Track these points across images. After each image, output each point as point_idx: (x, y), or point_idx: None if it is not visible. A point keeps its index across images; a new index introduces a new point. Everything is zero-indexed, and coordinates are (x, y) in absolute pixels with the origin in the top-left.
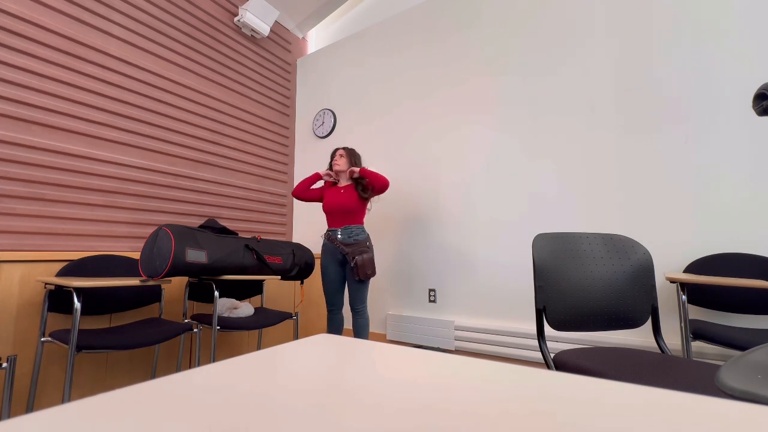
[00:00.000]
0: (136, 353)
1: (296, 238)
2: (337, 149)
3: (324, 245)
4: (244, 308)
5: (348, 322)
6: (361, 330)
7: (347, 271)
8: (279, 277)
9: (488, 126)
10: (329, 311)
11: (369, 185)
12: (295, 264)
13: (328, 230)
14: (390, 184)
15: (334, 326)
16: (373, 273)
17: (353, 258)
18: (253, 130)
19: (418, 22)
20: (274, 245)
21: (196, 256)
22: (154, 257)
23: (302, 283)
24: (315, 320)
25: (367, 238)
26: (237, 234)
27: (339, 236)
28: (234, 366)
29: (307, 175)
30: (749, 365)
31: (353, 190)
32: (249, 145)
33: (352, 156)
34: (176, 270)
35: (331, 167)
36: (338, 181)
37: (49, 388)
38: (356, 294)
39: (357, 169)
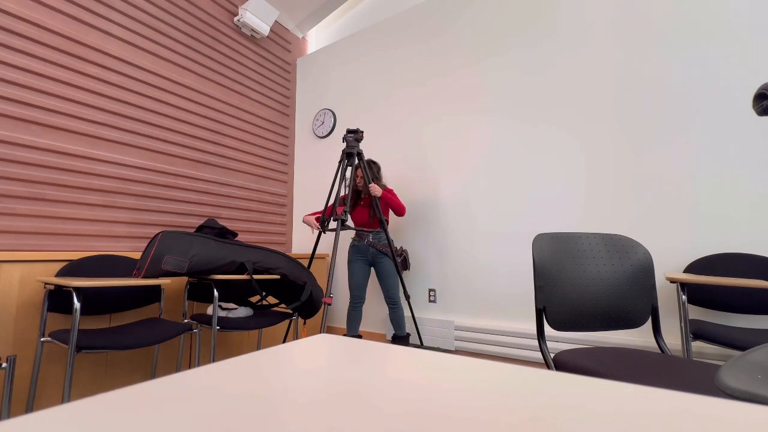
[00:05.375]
0: (136, 353)
1: (296, 238)
2: (359, 167)
3: (355, 246)
4: (242, 308)
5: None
6: (400, 319)
7: (385, 266)
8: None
9: (489, 128)
10: (354, 306)
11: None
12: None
13: (360, 231)
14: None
15: (357, 319)
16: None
17: (400, 254)
18: (253, 130)
19: (418, 22)
20: (280, 266)
21: (174, 265)
22: (143, 257)
23: (305, 322)
24: (315, 320)
25: (392, 241)
26: (236, 235)
27: (371, 239)
28: (234, 366)
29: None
30: (749, 365)
31: (368, 206)
32: (249, 145)
33: (369, 175)
34: (152, 275)
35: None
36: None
37: (49, 388)
38: (395, 286)
39: (379, 192)
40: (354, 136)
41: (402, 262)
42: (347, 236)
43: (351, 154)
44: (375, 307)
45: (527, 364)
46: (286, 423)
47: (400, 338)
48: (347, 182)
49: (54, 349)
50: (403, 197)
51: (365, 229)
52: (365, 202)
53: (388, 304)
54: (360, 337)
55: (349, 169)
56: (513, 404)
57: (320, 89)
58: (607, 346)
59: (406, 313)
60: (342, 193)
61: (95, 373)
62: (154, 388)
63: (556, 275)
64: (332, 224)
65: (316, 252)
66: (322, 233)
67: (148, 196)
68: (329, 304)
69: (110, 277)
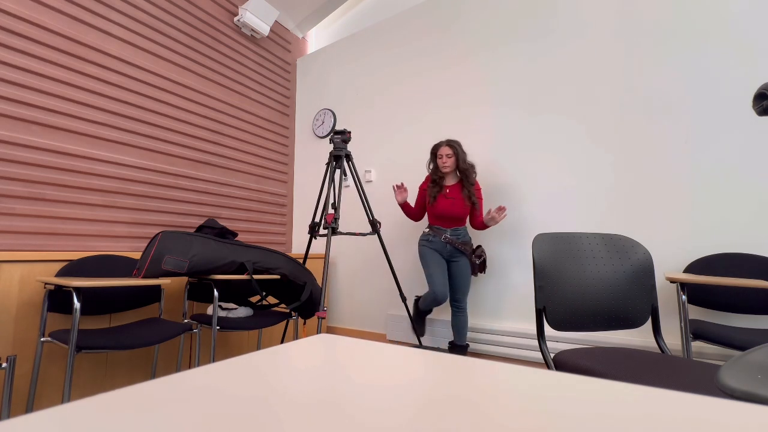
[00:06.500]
0: (135, 353)
1: (296, 238)
2: (441, 145)
3: (431, 240)
4: (242, 308)
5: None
6: (462, 326)
7: (460, 266)
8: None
9: (488, 128)
10: (436, 290)
11: (476, 195)
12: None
13: (435, 227)
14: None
15: (435, 302)
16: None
17: (480, 255)
18: (253, 130)
19: (418, 21)
20: (279, 266)
21: (174, 264)
22: (143, 257)
23: (305, 322)
24: (314, 320)
25: (471, 239)
26: (236, 235)
27: (448, 235)
28: (234, 366)
29: (407, 204)
30: (749, 365)
31: (460, 195)
32: (249, 145)
33: (461, 153)
34: (152, 275)
35: (436, 164)
36: (442, 178)
37: (49, 388)
38: (465, 289)
39: (498, 220)
40: (341, 137)
41: (481, 263)
42: (351, 243)
43: (339, 157)
44: (375, 307)
45: (527, 364)
46: (285, 423)
47: (457, 347)
48: (336, 185)
49: (54, 349)
50: None
51: (446, 229)
52: (452, 191)
53: (451, 307)
54: (423, 332)
55: (338, 171)
56: (513, 404)
57: (320, 89)
58: (607, 346)
59: (403, 313)
60: (332, 198)
61: (95, 373)
62: (154, 388)
63: (556, 275)
64: (323, 231)
65: (315, 252)
66: (314, 238)
67: (148, 196)
68: (323, 318)
69: (110, 277)
